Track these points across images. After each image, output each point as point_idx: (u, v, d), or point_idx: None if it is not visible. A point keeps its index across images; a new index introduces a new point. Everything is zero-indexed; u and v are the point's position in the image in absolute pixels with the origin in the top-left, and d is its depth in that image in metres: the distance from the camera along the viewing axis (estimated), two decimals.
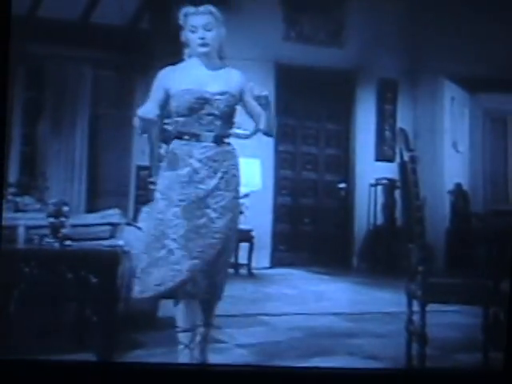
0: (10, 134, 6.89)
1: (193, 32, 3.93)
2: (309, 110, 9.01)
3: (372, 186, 8.78)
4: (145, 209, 6.83)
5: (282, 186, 8.89)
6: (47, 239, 4.32)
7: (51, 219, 4.32)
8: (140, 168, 7.87)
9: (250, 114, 4.01)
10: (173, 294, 3.83)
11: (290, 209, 8.98)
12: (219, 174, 3.84)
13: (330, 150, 9.17)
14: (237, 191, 3.92)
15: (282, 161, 8.91)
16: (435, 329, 4.03)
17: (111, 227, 4.89)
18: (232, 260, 7.76)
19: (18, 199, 5.86)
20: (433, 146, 8.78)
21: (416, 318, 3.94)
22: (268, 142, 8.58)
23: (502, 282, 3.90)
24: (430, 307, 3.85)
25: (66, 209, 4.39)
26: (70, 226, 4.42)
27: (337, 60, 8.80)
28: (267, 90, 3.90)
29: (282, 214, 8.89)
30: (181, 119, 3.91)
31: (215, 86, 3.87)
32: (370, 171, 8.89)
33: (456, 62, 8.23)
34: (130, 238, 4.85)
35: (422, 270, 3.85)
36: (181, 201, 3.81)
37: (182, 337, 3.84)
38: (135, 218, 6.01)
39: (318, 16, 8.88)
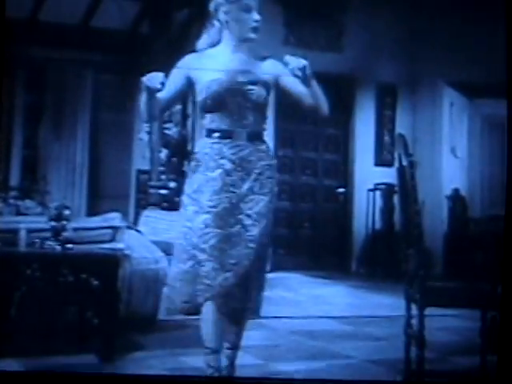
0: (10, 137, 6.90)
1: (247, 12, 3.43)
2: (308, 114, 9.02)
3: (371, 190, 8.81)
4: (145, 212, 6.88)
5: (281, 190, 8.91)
6: (49, 242, 4.34)
7: (52, 222, 4.34)
8: (140, 172, 7.91)
9: (291, 96, 3.58)
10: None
11: (289, 213, 9.00)
12: (253, 176, 3.43)
13: (328, 154, 9.20)
14: (272, 194, 3.54)
15: (281, 165, 8.92)
16: (433, 332, 4.05)
17: (112, 230, 4.91)
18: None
19: (20, 203, 5.88)
20: (431, 152, 8.81)
21: (414, 321, 3.95)
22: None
23: (500, 285, 3.92)
24: (429, 311, 3.87)
25: (67, 212, 4.40)
26: (72, 229, 4.43)
27: (336, 65, 8.82)
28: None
29: (281, 219, 8.90)
30: (209, 115, 3.45)
31: (246, 75, 3.44)
32: (369, 176, 8.91)
33: (455, 67, 8.26)
34: (131, 242, 4.87)
35: (420, 274, 3.86)
36: (212, 207, 3.36)
37: (211, 359, 3.38)
38: (136, 222, 6.04)
39: (318, 21, 8.91)
